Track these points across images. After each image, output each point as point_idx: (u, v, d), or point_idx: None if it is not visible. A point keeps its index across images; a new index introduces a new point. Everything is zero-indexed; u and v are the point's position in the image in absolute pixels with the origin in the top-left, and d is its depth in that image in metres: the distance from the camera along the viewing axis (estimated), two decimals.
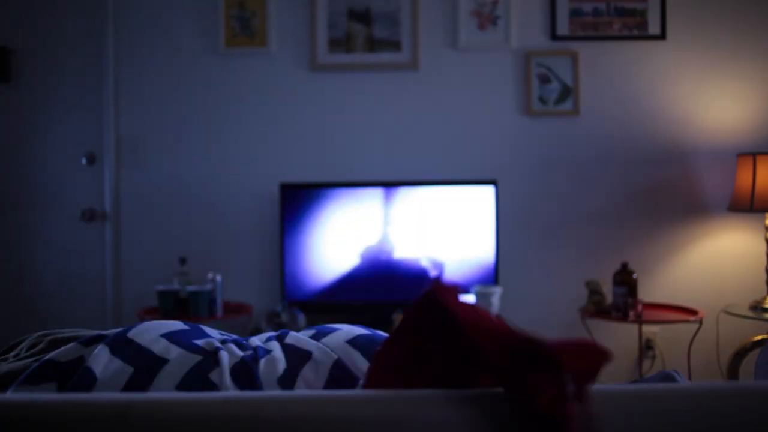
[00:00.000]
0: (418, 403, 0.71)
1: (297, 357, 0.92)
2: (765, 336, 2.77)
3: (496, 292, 2.69)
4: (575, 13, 2.97)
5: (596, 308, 2.75)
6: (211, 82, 3.03)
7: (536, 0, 2.98)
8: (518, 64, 2.99)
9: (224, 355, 0.89)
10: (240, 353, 0.91)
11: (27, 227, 3.09)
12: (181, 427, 0.67)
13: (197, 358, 0.89)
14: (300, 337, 0.97)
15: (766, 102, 2.97)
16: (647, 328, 2.91)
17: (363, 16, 2.99)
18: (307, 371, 0.89)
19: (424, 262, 2.84)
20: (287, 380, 0.88)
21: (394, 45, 2.99)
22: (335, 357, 0.91)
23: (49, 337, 1.01)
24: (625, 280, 2.64)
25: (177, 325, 0.99)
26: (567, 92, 2.97)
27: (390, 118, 3.01)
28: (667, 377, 0.89)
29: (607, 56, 2.98)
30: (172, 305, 2.71)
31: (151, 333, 0.93)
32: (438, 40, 2.99)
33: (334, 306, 2.83)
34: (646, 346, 2.96)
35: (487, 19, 2.98)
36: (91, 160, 3.06)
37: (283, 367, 0.90)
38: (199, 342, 0.93)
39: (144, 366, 0.87)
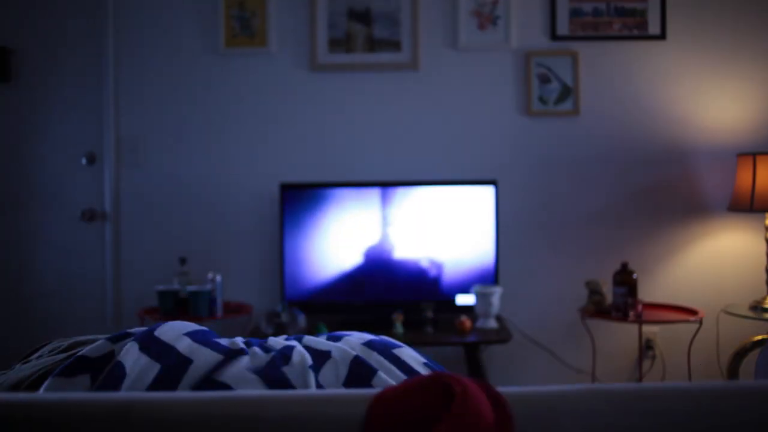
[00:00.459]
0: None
1: (317, 355, 0.92)
2: (765, 336, 2.77)
3: (496, 292, 2.69)
4: (575, 13, 2.97)
5: (596, 308, 2.75)
6: (211, 82, 3.03)
7: (536, 0, 2.98)
8: (518, 64, 2.99)
9: (245, 358, 0.90)
10: (263, 354, 0.92)
11: (27, 227, 3.10)
12: (181, 427, 0.68)
13: (220, 357, 0.90)
14: (317, 340, 0.98)
15: (766, 102, 2.97)
16: (647, 328, 2.92)
17: (363, 16, 2.99)
18: (326, 371, 0.89)
19: (424, 263, 2.84)
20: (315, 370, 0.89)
21: (394, 45, 2.99)
22: (353, 354, 0.92)
23: (71, 341, 1.02)
24: (625, 280, 2.64)
25: (195, 325, 1.00)
26: (567, 92, 2.97)
27: (390, 118, 3.01)
28: None
29: (607, 56, 2.98)
30: (172, 305, 2.71)
31: (176, 331, 0.94)
32: (438, 40, 2.99)
33: (334, 306, 2.83)
34: (646, 346, 2.96)
35: (487, 19, 2.98)
36: (91, 160, 3.06)
37: (310, 363, 0.90)
38: (224, 342, 0.94)
39: (171, 365, 0.87)
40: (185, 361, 0.88)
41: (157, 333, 0.92)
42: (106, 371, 0.85)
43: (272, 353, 0.92)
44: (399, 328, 2.65)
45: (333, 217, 2.83)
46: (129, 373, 0.85)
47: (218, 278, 2.72)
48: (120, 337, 0.93)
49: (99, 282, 3.07)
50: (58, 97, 3.07)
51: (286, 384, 0.87)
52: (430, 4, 2.98)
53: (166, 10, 3.03)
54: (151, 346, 0.90)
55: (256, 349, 0.94)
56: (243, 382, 0.86)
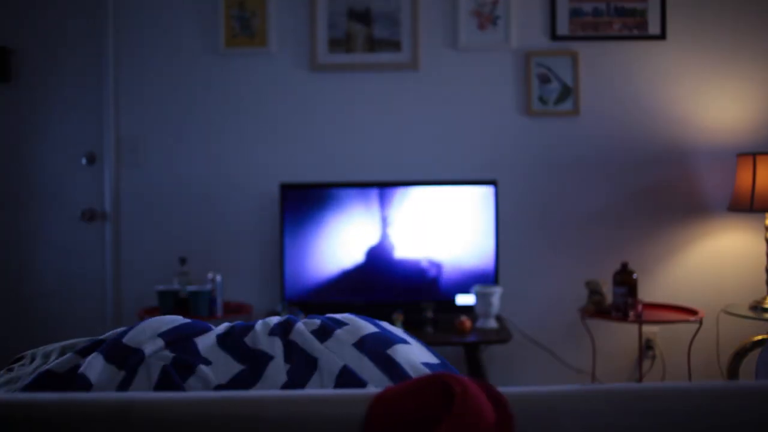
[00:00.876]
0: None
1: (303, 364, 0.89)
2: (765, 336, 2.77)
3: (496, 292, 2.69)
4: (575, 13, 2.97)
5: (596, 308, 2.75)
6: (211, 82, 3.03)
7: (536, 0, 2.98)
8: (518, 64, 2.99)
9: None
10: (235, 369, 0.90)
11: (27, 227, 3.09)
12: (181, 427, 0.68)
13: (171, 355, 0.90)
14: (306, 336, 0.94)
15: (766, 102, 2.97)
16: (647, 328, 2.92)
17: (363, 16, 2.99)
18: (312, 386, 0.87)
19: (424, 263, 2.84)
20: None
21: (394, 45, 2.99)
22: (341, 364, 0.88)
23: (63, 344, 1.02)
24: (625, 280, 2.64)
25: (177, 320, 0.98)
26: (567, 92, 2.97)
27: (390, 118, 3.01)
28: None
29: (607, 56, 2.98)
30: (172, 305, 2.71)
31: (148, 333, 0.93)
32: (438, 40, 2.99)
33: (334, 306, 2.82)
34: (646, 346, 2.96)
35: (487, 19, 2.98)
36: (91, 160, 3.06)
37: (284, 380, 0.88)
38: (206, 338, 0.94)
39: (131, 367, 0.87)
40: (141, 360, 0.88)
41: (125, 340, 0.92)
42: (70, 385, 0.85)
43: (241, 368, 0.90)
44: (399, 328, 2.65)
45: (333, 217, 2.83)
46: (95, 383, 0.85)
47: (218, 278, 2.72)
48: (89, 349, 0.93)
49: (99, 282, 3.07)
50: (58, 97, 3.07)
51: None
52: (430, 4, 2.98)
53: (166, 10, 3.03)
54: (117, 354, 0.89)
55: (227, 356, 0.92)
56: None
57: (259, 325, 0.98)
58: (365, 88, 3.01)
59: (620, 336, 2.95)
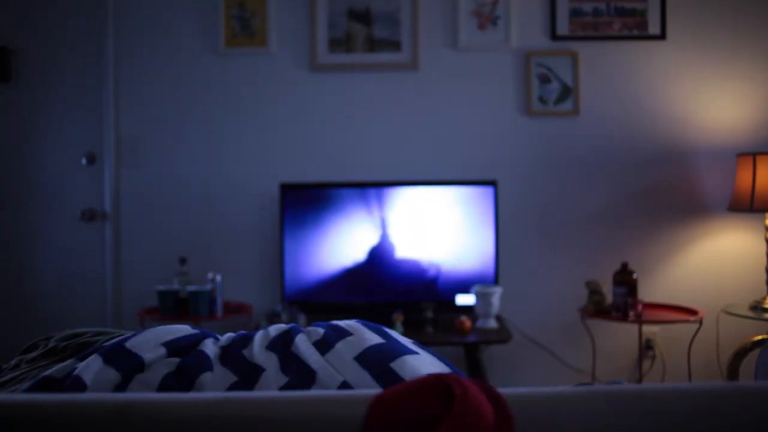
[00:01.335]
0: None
1: (301, 376, 0.88)
2: (765, 336, 2.77)
3: (496, 292, 2.69)
4: (575, 13, 2.97)
5: (596, 308, 2.75)
6: (211, 82, 3.03)
7: (536, 0, 2.98)
8: (518, 64, 2.99)
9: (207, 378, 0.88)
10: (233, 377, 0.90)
11: (27, 227, 3.10)
12: (181, 428, 0.68)
13: (177, 361, 0.89)
14: (306, 347, 0.92)
15: (766, 102, 2.97)
16: (647, 328, 2.92)
17: (363, 16, 2.99)
18: None
19: (424, 263, 2.84)
20: None
21: (394, 45, 2.99)
22: (340, 379, 0.87)
23: (78, 340, 1.02)
24: (625, 280, 2.64)
25: (183, 331, 0.98)
26: (567, 92, 2.97)
27: (390, 118, 3.01)
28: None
29: (607, 56, 2.98)
30: (172, 305, 2.71)
31: (152, 341, 0.93)
32: (438, 40, 2.99)
33: (334, 306, 2.83)
34: (646, 346, 2.96)
35: (487, 19, 2.98)
36: (91, 160, 3.06)
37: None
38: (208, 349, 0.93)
39: (129, 371, 0.87)
40: (142, 365, 0.88)
41: (128, 344, 0.92)
42: (65, 386, 0.85)
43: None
44: (399, 328, 2.65)
45: (333, 217, 2.83)
46: (90, 385, 0.85)
47: (218, 278, 2.72)
48: (89, 355, 0.93)
49: (99, 282, 3.07)
50: (58, 97, 3.07)
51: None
52: (430, 4, 2.98)
53: (166, 10, 3.03)
54: (116, 357, 0.89)
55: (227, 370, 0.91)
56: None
57: (258, 337, 0.96)
58: (365, 88, 3.01)
59: (620, 336, 2.95)
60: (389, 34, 2.99)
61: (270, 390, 0.87)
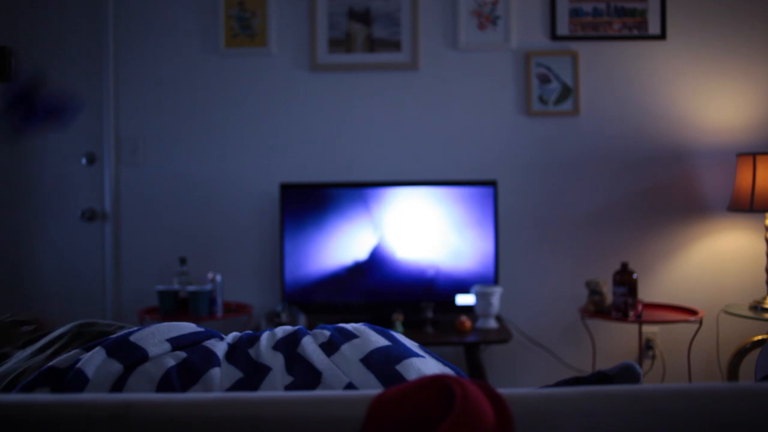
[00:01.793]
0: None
1: (306, 377, 0.88)
2: (765, 336, 2.77)
3: (496, 292, 2.69)
4: (575, 13, 2.97)
5: (596, 308, 2.75)
6: (211, 82, 3.03)
7: (536, 0, 2.98)
8: (518, 64, 2.99)
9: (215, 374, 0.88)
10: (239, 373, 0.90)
11: (27, 227, 3.10)
12: (181, 428, 0.68)
13: (183, 355, 0.89)
14: (312, 349, 0.92)
15: (766, 102, 2.97)
16: (647, 328, 2.92)
17: (363, 16, 2.99)
18: None
19: (424, 263, 2.84)
20: None
21: (394, 45, 2.99)
22: (346, 381, 0.87)
23: (88, 330, 1.02)
24: (625, 280, 2.64)
25: (189, 327, 0.98)
26: (567, 92, 2.97)
27: (390, 118, 3.01)
28: (626, 368, 0.88)
29: (607, 56, 2.98)
30: (172, 305, 2.71)
31: (157, 336, 0.92)
32: (438, 40, 2.99)
33: (334, 306, 2.83)
34: (646, 346, 2.96)
35: (487, 19, 2.98)
36: (91, 160, 3.06)
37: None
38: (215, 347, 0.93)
39: (132, 364, 0.87)
40: (144, 358, 0.88)
41: (132, 338, 0.92)
42: (66, 380, 0.85)
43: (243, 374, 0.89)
44: (399, 328, 2.65)
45: (333, 217, 2.83)
46: (92, 378, 0.85)
47: (218, 278, 2.72)
48: (93, 346, 0.92)
49: (99, 282, 3.07)
50: None
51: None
52: (430, 4, 2.98)
53: (166, 10, 3.03)
54: (120, 350, 0.89)
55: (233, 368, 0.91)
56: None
57: (264, 337, 0.97)
58: (365, 89, 3.01)
59: (620, 336, 2.95)
60: (389, 34, 2.99)
61: (275, 389, 0.87)
